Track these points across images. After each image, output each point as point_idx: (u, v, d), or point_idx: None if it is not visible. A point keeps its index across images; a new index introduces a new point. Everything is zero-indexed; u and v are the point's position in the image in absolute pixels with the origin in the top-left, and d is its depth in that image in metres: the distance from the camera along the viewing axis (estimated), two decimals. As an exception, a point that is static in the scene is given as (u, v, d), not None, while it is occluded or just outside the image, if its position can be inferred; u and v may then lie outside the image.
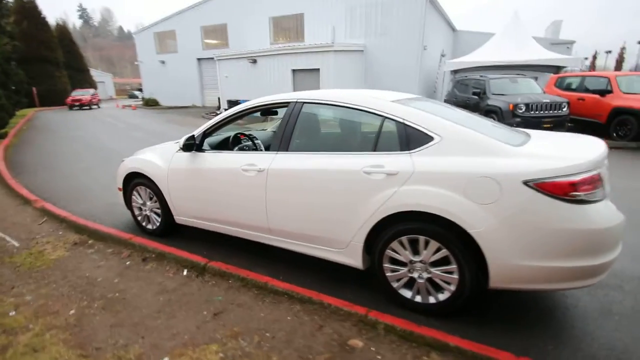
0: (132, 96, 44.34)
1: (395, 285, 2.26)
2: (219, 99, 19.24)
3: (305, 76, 15.07)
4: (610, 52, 37.67)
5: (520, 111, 7.78)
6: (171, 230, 3.42)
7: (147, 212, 3.46)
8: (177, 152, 3.11)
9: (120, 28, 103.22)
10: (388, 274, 2.26)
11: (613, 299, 2.32)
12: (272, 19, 18.79)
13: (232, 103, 17.09)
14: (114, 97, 46.66)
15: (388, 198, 2.08)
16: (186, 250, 2.98)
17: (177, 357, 1.85)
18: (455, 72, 14.32)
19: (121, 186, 3.59)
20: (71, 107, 23.44)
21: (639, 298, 2.33)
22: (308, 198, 2.38)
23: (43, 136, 10.87)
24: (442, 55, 17.89)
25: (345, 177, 2.22)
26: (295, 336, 2.00)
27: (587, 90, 8.51)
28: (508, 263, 1.90)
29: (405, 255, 2.17)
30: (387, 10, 15.15)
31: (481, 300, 2.28)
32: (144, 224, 3.54)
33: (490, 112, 8.28)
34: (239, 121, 3.31)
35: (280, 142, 2.54)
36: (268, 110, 3.14)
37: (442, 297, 2.14)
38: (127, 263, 2.90)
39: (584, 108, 8.42)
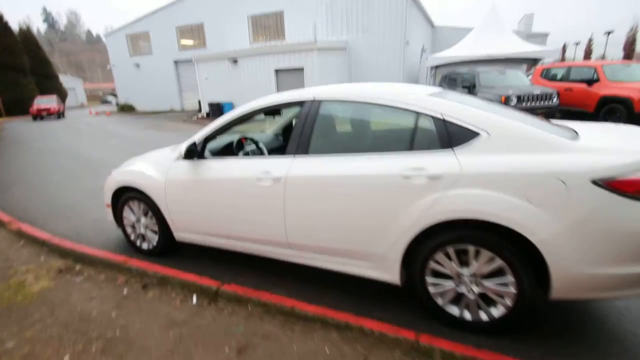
0: (106, 102, 42.71)
1: (439, 301, 2.02)
2: (199, 101, 18.64)
3: (289, 76, 14.75)
4: (578, 43, 39.02)
5: (512, 103, 7.75)
6: (170, 248, 3.07)
7: (142, 230, 3.09)
8: (174, 161, 2.76)
9: (89, 32, 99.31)
10: (431, 289, 2.02)
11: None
12: (250, 18, 18.31)
13: (214, 106, 16.59)
14: (85, 104, 44.72)
15: (433, 204, 1.83)
16: (191, 272, 2.64)
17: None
18: (436, 67, 14.34)
19: (109, 202, 3.20)
20: (35, 117, 20.39)
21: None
22: (335, 207, 2.11)
23: (13, 148, 10.09)
24: (423, 51, 17.93)
25: (379, 182, 1.96)
26: (337, 371, 1.73)
27: (574, 80, 8.58)
28: (573, 272, 1.69)
29: (451, 267, 1.93)
30: (368, 5, 14.99)
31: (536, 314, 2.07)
32: (138, 243, 3.17)
33: (482, 105, 8.21)
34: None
35: (298, 145, 2.25)
36: (272, 111, 2.85)
37: (496, 312, 1.91)
38: (125, 292, 2.54)
39: (571, 98, 8.50)
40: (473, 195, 1.76)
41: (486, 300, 1.92)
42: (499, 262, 1.81)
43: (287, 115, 4.00)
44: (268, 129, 4.28)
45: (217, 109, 16.53)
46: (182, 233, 2.87)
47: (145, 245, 3.13)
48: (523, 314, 1.85)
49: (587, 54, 37.53)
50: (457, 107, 1.93)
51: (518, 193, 1.70)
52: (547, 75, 9.48)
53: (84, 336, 2.08)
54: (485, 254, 1.82)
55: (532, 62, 13.42)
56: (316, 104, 2.27)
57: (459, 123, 1.87)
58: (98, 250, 3.12)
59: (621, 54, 32.17)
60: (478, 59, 12.88)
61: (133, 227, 3.15)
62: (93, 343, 2.02)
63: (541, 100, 7.83)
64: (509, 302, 1.86)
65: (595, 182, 1.60)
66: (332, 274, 2.33)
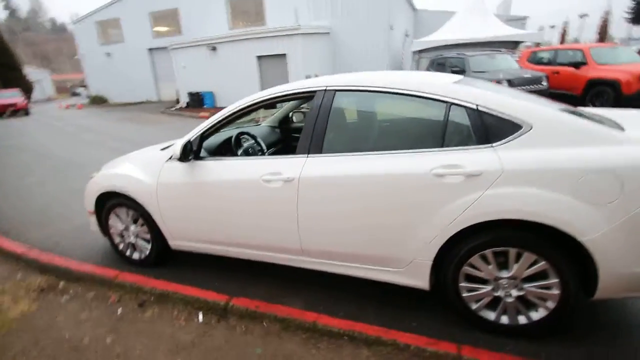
0: (75, 94, 40.51)
1: (473, 306, 1.86)
2: (177, 91, 17.85)
3: (272, 63, 14.24)
4: (554, 26, 39.74)
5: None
6: (165, 258, 2.80)
7: (132, 239, 2.80)
8: (166, 162, 2.47)
9: (54, 20, 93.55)
10: (465, 294, 1.85)
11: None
12: (228, 2, 17.50)
13: (193, 95, 15.93)
14: (53, 97, 42.37)
15: (470, 205, 1.65)
16: (193, 285, 2.40)
17: None
18: (419, 52, 14.19)
19: (93, 209, 2.88)
20: (1, 114, 17.72)
21: None
22: (356, 210, 1.90)
23: (-25, 147, 9.33)
24: (406, 36, 17.69)
25: (408, 182, 1.76)
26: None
27: (561, 64, 8.59)
28: (622, 271, 1.56)
29: (488, 271, 1.77)
30: (351, -11, 14.55)
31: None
32: (128, 252, 2.87)
33: (473, 90, 8.13)
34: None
35: (311, 142, 2.01)
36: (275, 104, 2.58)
37: (535, 315, 1.78)
38: (119, 312, 2.27)
39: (559, 81, 8.50)
40: (517, 194, 1.58)
41: (525, 302, 1.79)
42: (542, 264, 1.66)
43: (282, 106, 3.74)
44: (262, 122, 4.00)
45: (197, 99, 15.88)
46: (178, 241, 2.60)
47: (136, 255, 2.85)
48: (565, 316, 1.72)
49: (562, 37, 38.30)
50: (494, 97, 1.74)
51: (566, 191, 1.53)
52: (534, 59, 9.47)
53: (77, 370, 1.82)
54: (529, 256, 1.66)
55: (513, 45, 13.48)
56: (329, 94, 2.02)
57: (498, 114, 1.67)
58: (83, 264, 2.81)
59: (595, 37, 32.96)
60: (464, 42, 12.80)
61: (121, 235, 2.85)
62: (88, 378, 1.76)
63: (531, 83, 7.80)
64: (551, 304, 1.72)
65: (654, 177, 1.45)
66: (349, 280, 2.14)
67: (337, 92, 2.01)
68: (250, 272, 2.57)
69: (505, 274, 1.75)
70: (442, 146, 1.75)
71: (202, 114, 13.13)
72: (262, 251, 2.32)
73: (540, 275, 1.70)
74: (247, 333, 1.97)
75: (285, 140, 3.70)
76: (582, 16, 27.84)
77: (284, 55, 13.72)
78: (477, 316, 1.87)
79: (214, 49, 15.29)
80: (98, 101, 23.46)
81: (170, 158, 2.45)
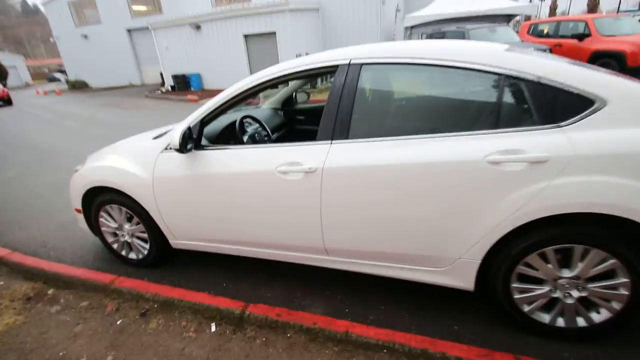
0: (53, 79, 38.75)
1: (525, 309, 1.65)
2: (161, 74, 17.10)
3: (260, 42, 13.62)
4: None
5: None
6: (166, 257, 2.52)
7: (127, 238, 2.51)
8: (162, 152, 2.16)
9: (24, 1, 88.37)
10: (516, 295, 1.64)
11: None
12: (211, -23, 16.55)
13: (178, 78, 15.24)
14: (30, 83, 40.42)
15: (533, 197, 1.40)
16: (200, 290, 2.15)
17: None
18: (411, 27, 13.72)
19: (80, 207, 2.56)
20: None
21: None
22: (392, 206, 1.64)
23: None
24: (397, 11, 17.08)
25: (456, 173, 1.50)
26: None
27: (563, 36, 8.32)
28: None
29: (547, 270, 1.55)
30: (341, -39, 13.82)
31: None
32: (123, 253, 2.59)
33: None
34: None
35: (334, 127, 1.72)
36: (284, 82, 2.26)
37: (597, 317, 1.58)
38: (119, 323, 2.01)
39: (562, 53, 8.26)
40: (591, 184, 1.34)
41: (586, 304, 1.58)
42: (611, 262, 1.45)
43: (283, 86, 3.41)
44: (262, 103, 3.67)
45: (182, 82, 15.21)
46: (181, 241, 2.33)
47: (133, 255, 2.57)
48: (632, 318, 1.53)
49: (552, 10, 37.85)
50: (560, 67, 1.46)
51: None
52: (535, 31, 9.17)
53: (75, 398, 1.57)
54: (597, 254, 1.44)
55: (506, 19, 13.12)
56: (354, 69, 1.72)
57: (566, 88, 1.40)
58: (74, 268, 2.52)
59: (584, 9, 32.61)
60: (457, 16, 12.38)
61: (115, 234, 2.55)
62: (89, 409, 1.52)
63: (534, 57, 7.53)
64: (617, 305, 1.52)
65: None
66: (374, 279, 1.91)
67: (363, 66, 1.71)
68: (264, 272, 2.33)
69: (567, 273, 1.53)
70: (496, 127, 1.49)
71: (190, 96, 12.56)
72: (277, 250, 2.06)
73: (608, 274, 1.49)
74: (268, 346, 1.73)
75: (290, 123, 3.39)
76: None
77: (272, 33, 13.10)
78: (529, 319, 1.66)
79: (198, 27, 14.52)
80: (78, 86, 22.41)
81: (166, 148, 2.13)
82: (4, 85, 20.04)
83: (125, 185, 2.25)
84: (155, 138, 2.36)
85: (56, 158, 5.85)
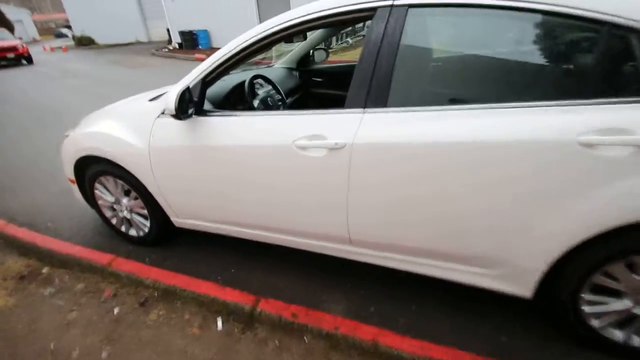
0: (60, 35, 37.75)
1: (595, 324, 1.36)
2: (168, 30, 16.30)
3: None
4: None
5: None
6: (168, 235, 2.28)
7: (126, 214, 2.26)
8: (158, 117, 1.83)
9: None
10: (585, 307, 1.34)
11: None
12: None
13: (186, 35, 14.50)
14: (38, 39, 39.56)
15: (637, 191, 1.05)
16: (205, 275, 1.91)
17: None
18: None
19: (72, 176, 2.29)
20: None
21: None
22: (443, 194, 1.30)
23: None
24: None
25: (532, 155, 1.13)
26: None
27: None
28: None
29: (631, 281, 1.23)
30: None
31: None
32: (123, 229, 2.35)
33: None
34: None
35: (369, 92, 1.35)
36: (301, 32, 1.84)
37: (686, 340, 1.28)
38: (116, 311, 1.80)
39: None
40: None
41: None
42: None
43: (299, 41, 2.97)
44: (274, 62, 3.25)
45: (190, 39, 14.49)
46: (183, 219, 2.06)
47: (133, 232, 2.33)
48: None
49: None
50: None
51: None
52: None
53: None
54: None
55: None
56: (399, 13, 1.30)
57: None
58: (70, 245, 2.30)
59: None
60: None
61: (112, 209, 2.30)
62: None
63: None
64: None
65: None
66: (404, 272, 1.63)
67: (411, 9, 1.29)
68: (276, 256, 2.07)
69: (656, 284, 1.21)
70: (593, 97, 1.10)
71: (198, 55, 11.96)
72: (291, 236, 1.78)
73: None
74: (282, 350, 1.49)
75: (306, 86, 2.99)
76: None
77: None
78: (598, 335, 1.37)
79: (206, -22, 13.54)
80: (84, 42, 21.74)
81: (163, 113, 1.80)
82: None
83: (119, 155, 1.96)
84: (151, 100, 2.02)
85: (60, 117, 5.58)
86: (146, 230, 2.25)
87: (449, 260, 1.46)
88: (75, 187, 2.36)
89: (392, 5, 1.31)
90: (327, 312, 1.62)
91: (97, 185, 2.23)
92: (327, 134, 1.40)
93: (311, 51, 2.97)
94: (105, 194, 2.24)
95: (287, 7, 12.10)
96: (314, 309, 1.63)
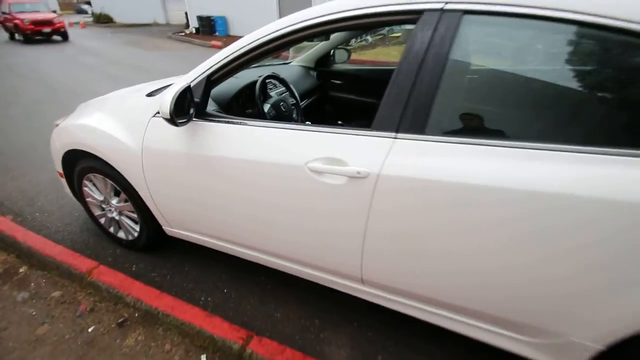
0: (81, 11, 37.72)
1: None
2: (186, 14, 16.09)
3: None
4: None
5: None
6: (160, 242, 2.08)
7: (115, 215, 2.06)
8: (154, 116, 1.60)
9: None
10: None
11: None
12: None
13: (203, 20, 14.26)
14: (59, 14, 39.65)
15: None
16: (195, 295, 1.70)
17: None
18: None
19: (61, 170, 2.09)
20: (27, 36, 11.76)
21: None
22: (487, 246, 1.05)
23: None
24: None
25: (628, 215, 0.88)
26: None
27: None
28: None
29: None
30: None
31: None
32: (112, 230, 2.15)
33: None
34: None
35: (404, 112, 1.10)
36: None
37: None
38: (91, 330, 1.60)
39: None
40: None
41: None
42: None
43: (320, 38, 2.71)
44: (291, 57, 3.00)
45: (207, 24, 14.25)
46: (175, 229, 1.85)
47: (122, 234, 2.13)
48: None
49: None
50: None
51: None
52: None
53: None
54: None
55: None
56: (450, 19, 1.04)
57: None
58: (51, 244, 2.10)
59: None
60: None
61: (101, 208, 2.10)
62: None
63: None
64: None
65: None
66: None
67: (466, 16, 1.04)
68: (276, 278, 1.84)
69: None
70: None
71: (214, 42, 11.73)
72: (295, 264, 1.55)
73: None
74: (273, 405, 1.27)
75: (324, 88, 2.74)
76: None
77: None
78: None
79: (227, -37, 13.26)
80: (103, 20, 21.65)
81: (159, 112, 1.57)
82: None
83: (108, 153, 1.74)
84: (149, 95, 1.79)
85: (68, 97, 5.40)
86: (135, 235, 2.04)
87: (483, 320, 1.22)
88: (64, 181, 2.17)
89: (442, 10, 1.06)
90: (328, 361, 1.40)
91: (85, 182, 2.02)
92: (348, 158, 1.16)
93: (332, 50, 2.72)
94: (94, 192, 2.04)
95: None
96: (313, 358, 1.41)
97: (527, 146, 0.97)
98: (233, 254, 1.72)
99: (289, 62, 2.81)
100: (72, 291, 1.82)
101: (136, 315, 1.64)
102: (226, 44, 1.45)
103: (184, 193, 1.62)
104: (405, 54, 1.10)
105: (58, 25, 12.45)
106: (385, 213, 1.15)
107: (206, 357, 1.43)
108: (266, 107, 1.89)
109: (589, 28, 0.91)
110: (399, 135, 1.11)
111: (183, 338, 1.52)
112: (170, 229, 1.87)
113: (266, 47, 1.34)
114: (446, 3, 1.05)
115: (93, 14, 23.07)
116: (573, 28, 0.94)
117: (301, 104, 2.33)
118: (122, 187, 1.84)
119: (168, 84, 1.87)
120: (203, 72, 1.45)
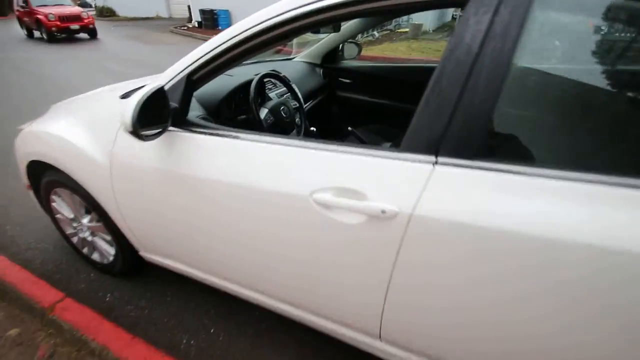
0: (85, 5, 37.47)
1: None
2: (189, 7, 15.73)
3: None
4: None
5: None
6: (138, 266, 1.78)
7: (87, 236, 1.77)
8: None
9: None
10: None
11: None
12: None
13: (206, 13, 13.91)
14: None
15: None
16: (175, 341, 1.41)
17: None
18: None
19: (28, 182, 1.81)
20: (51, 34, 10.39)
21: None
22: (556, 314, 0.76)
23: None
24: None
25: None
26: None
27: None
28: None
29: None
30: None
31: None
32: (85, 251, 1.87)
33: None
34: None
35: (446, 130, 0.80)
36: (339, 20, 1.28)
37: None
38: (46, 384, 1.32)
39: None
40: None
41: None
42: None
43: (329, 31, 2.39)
44: (294, 52, 2.69)
45: (210, 18, 13.89)
46: (152, 256, 1.56)
47: (97, 257, 1.84)
48: None
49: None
50: None
51: None
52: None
53: None
54: None
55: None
56: (517, 1, 0.74)
57: None
58: (20, 269, 1.81)
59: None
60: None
61: (73, 226, 1.81)
62: None
63: None
64: None
65: None
66: None
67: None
68: (274, 318, 1.54)
69: None
70: None
71: (216, 36, 11.39)
72: (295, 309, 1.25)
73: None
74: None
75: (331, 88, 2.42)
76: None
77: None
78: None
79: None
80: (106, 13, 21.38)
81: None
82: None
83: (73, 168, 1.45)
84: (123, 97, 1.49)
85: (63, 93, 5.11)
86: (111, 259, 1.75)
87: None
88: (32, 194, 1.88)
89: (507, -15, 0.74)
90: None
91: (53, 197, 1.73)
92: (369, 190, 0.85)
93: (341, 45, 2.40)
94: (63, 208, 1.75)
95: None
96: None
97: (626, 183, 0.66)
98: (219, 288, 1.43)
99: (292, 58, 2.49)
100: (32, 329, 1.53)
101: (102, 365, 1.35)
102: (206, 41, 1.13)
103: (161, 215, 1.32)
104: (450, 50, 0.79)
105: (87, 21, 11.05)
106: (418, 265, 0.84)
107: None
108: (263, 113, 1.57)
109: None
110: (440, 159, 0.80)
111: (156, 401, 1.24)
112: (147, 255, 1.58)
113: (262, 38, 1.04)
114: (511, -23, 0.73)
115: (96, 6, 22.79)
116: None
117: (305, 106, 2.02)
118: (92, 206, 1.55)
119: (146, 82, 1.56)
120: (182, 70, 1.15)
